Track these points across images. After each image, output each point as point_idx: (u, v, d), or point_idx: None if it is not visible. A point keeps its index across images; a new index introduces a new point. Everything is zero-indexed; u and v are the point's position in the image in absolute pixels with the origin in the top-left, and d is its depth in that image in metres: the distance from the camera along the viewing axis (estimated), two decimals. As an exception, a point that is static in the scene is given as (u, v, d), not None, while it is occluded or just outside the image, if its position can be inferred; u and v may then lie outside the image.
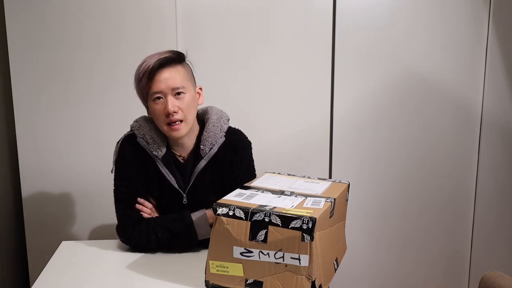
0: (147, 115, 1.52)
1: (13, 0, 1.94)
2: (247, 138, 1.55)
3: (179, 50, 1.51)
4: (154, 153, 1.45)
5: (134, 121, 1.51)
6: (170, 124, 1.39)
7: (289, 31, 2.08)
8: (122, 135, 1.51)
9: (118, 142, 1.49)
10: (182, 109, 1.39)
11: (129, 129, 1.52)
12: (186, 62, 1.46)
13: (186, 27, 2.03)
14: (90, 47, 2.00)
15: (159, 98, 1.39)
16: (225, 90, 2.08)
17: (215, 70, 2.07)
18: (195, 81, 1.49)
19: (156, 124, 1.47)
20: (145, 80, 1.37)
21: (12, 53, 1.97)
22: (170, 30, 2.02)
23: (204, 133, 1.47)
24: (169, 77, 1.38)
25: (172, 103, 1.38)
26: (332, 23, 2.09)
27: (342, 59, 2.12)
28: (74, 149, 2.06)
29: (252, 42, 2.07)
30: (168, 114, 1.38)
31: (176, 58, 1.41)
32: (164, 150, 1.46)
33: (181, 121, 1.40)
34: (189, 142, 1.49)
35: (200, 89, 1.50)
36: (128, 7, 1.99)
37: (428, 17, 2.11)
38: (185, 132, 1.42)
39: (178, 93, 1.39)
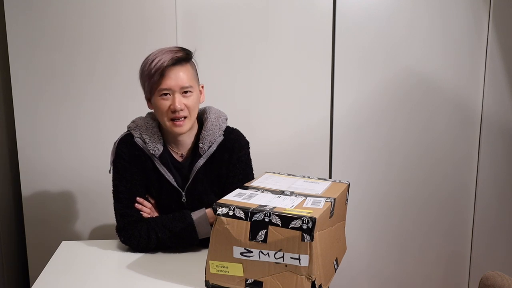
0: (144, 115, 1.54)
1: (13, 0, 1.94)
2: (244, 137, 1.56)
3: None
4: (151, 151, 1.46)
5: (131, 122, 1.52)
6: (174, 120, 1.41)
7: (289, 31, 2.08)
8: (120, 135, 1.52)
9: (115, 143, 1.50)
10: (188, 107, 1.42)
11: (126, 130, 1.52)
12: (192, 60, 1.48)
13: (186, 27, 2.03)
14: (90, 47, 2.00)
15: (166, 94, 1.41)
16: (225, 90, 2.08)
17: (215, 70, 2.07)
18: (199, 80, 1.50)
19: (152, 122, 1.49)
20: (158, 77, 1.39)
21: (12, 53, 1.97)
22: (170, 30, 2.02)
23: (203, 131, 1.48)
24: (180, 75, 1.41)
25: (179, 100, 1.40)
26: (332, 23, 2.09)
27: (342, 59, 2.12)
28: (74, 149, 2.06)
29: (252, 42, 2.07)
30: (174, 111, 1.40)
31: (186, 57, 1.44)
32: (161, 148, 1.47)
33: (185, 117, 1.42)
34: (188, 140, 1.50)
35: (202, 87, 1.51)
36: (128, 7, 1.99)
37: (428, 17, 2.11)
38: (188, 128, 1.45)
39: (186, 92, 1.42)
